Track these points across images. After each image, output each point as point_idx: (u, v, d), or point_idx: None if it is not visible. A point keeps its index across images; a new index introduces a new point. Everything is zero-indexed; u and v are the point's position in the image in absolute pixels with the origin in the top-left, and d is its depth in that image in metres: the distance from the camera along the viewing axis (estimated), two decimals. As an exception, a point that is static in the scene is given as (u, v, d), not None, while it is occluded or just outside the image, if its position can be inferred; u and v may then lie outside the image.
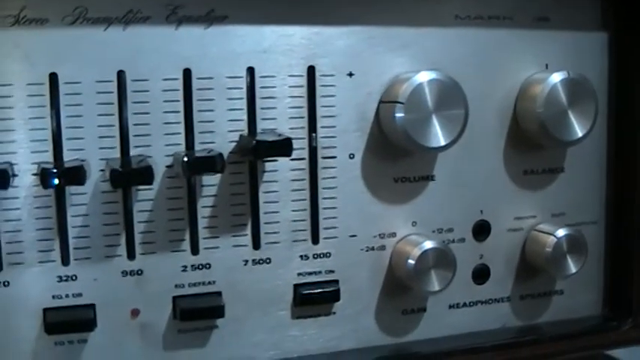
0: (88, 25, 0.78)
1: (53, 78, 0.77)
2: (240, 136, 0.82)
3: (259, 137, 0.79)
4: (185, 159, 0.77)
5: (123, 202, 0.80)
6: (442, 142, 0.83)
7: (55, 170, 0.73)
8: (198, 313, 0.82)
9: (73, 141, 0.79)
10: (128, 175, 0.75)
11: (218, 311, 0.83)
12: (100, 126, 0.80)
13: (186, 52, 0.81)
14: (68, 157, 0.79)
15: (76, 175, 0.74)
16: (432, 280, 0.86)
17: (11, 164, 0.76)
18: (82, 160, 0.77)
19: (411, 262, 0.84)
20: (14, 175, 0.76)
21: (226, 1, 0.81)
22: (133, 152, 0.80)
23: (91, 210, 0.80)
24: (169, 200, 0.82)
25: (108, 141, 0.80)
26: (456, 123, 0.83)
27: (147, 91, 0.80)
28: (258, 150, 0.78)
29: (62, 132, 0.78)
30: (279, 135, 0.80)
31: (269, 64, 0.83)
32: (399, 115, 0.82)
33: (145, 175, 0.75)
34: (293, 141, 0.79)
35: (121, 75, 0.79)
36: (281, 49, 0.84)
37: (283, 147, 0.79)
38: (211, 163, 0.77)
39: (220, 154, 0.77)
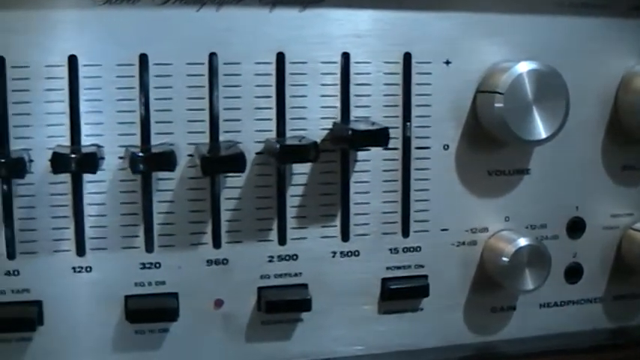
0: (180, 5, 0.76)
1: (143, 59, 0.75)
2: (334, 123, 0.79)
3: (355, 126, 0.76)
4: (278, 147, 0.74)
5: (210, 188, 0.78)
6: (543, 135, 0.80)
7: (142, 155, 0.71)
8: (284, 305, 0.80)
9: (162, 124, 0.77)
10: (220, 162, 0.73)
11: (305, 304, 0.80)
12: (189, 109, 0.77)
13: (279, 35, 0.78)
14: (156, 140, 0.77)
15: (166, 160, 0.72)
16: (525, 279, 0.83)
17: (99, 147, 0.74)
18: (171, 145, 0.75)
19: (505, 259, 0.81)
20: (101, 158, 0.74)
21: (323, -16, 0.74)
22: (222, 137, 0.78)
23: (177, 196, 0.78)
24: (258, 188, 0.80)
25: (197, 125, 0.78)
26: (556, 115, 0.81)
27: (238, 74, 0.78)
28: (353, 139, 0.76)
29: (150, 115, 0.76)
30: (374, 124, 0.78)
31: (364, 49, 0.80)
32: (498, 105, 0.79)
33: (238, 162, 0.73)
34: (386, 130, 0.72)
35: (212, 57, 0.77)
36: (377, 34, 0.81)
37: (380, 137, 0.76)
38: (305, 151, 0.75)
39: (315, 143, 0.74)
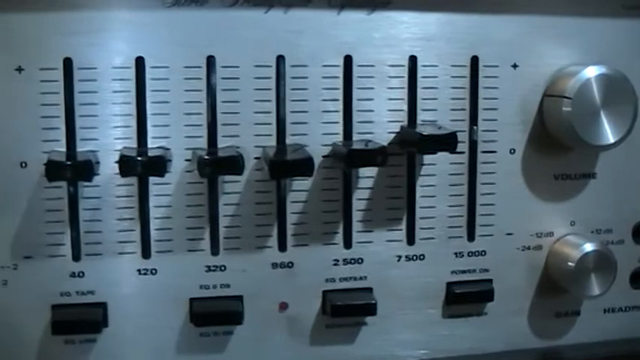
0: (248, 7, 0.74)
1: (211, 61, 0.73)
2: (401, 127, 0.77)
3: (423, 130, 0.74)
4: (345, 151, 0.72)
5: (277, 192, 0.76)
6: (610, 140, 0.78)
7: (209, 158, 0.70)
8: (350, 309, 0.78)
9: (229, 127, 0.75)
10: (288, 165, 0.71)
11: (370, 309, 0.78)
12: (256, 112, 0.75)
13: (347, 38, 0.76)
14: (223, 143, 0.75)
15: (233, 164, 0.71)
16: (591, 284, 0.80)
17: (165, 149, 0.72)
18: (238, 148, 0.73)
19: (571, 264, 0.79)
20: (168, 161, 0.72)
21: (391, -15, 0.71)
22: (288, 141, 0.76)
23: (243, 199, 0.76)
24: (324, 192, 0.78)
25: (264, 128, 0.76)
26: (624, 120, 0.78)
27: (306, 77, 0.76)
28: (422, 144, 0.73)
29: (217, 117, 0.74)
30: (441, 128, 0.76)
31: (432, 52, 0.78)
32: (565, 110, 0.77)
33: (306, 166, 0.71)
34: (453, 134, 0.70)
35: (280, 60, 0.74)
36: (445, 37, 0.78)
37: (448, 142, 0.73)
38: (373, 156, 0.73)
39: (383, 147, 0.72)
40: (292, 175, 0.73)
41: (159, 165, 0.69)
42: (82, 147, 0.73)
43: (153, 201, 0.75)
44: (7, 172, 0.72)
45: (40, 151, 0.72)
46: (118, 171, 0.70)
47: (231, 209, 0.77)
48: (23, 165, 0.72)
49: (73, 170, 0.69)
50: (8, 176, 0.72)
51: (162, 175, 0.70)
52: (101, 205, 0.74)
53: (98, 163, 0.71)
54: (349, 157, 0.72)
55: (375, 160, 0.72)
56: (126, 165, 0.69)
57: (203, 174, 0.70)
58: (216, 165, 0.71)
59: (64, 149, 0.72)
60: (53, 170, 0.68)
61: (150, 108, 0.74)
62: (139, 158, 0.69)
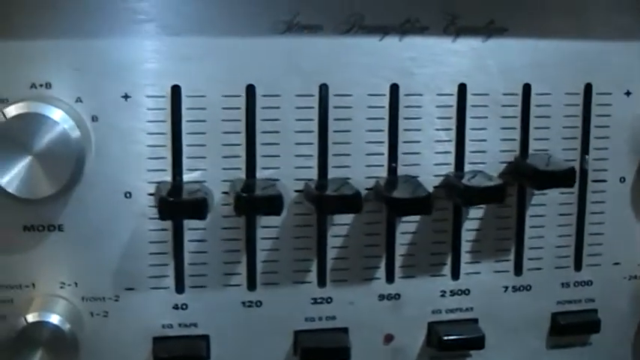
0: (363, 34, 0.65)
1: (323, 89, 0.64)
2: (515, 158, 0.69)
3: (538, 164, 0.67)
4: (462, 187, 0.65)
5: (387, 224, 0.68)
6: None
7: (321, 194, 0.64)
8: (458, 343, 0.70)
9: (340, 157, 0.68)
10: (408, 204, 0.65)
11: (478, 342, 0.70)
12: (368, 142, 0.67)
13: (462, 66, 0.67)
14: (334, 174, 0.69)
15: (350, 203, 0.64)
16: None
17: (273, 181, 0.66)
18: (347, 180, 0.67)
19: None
20: (274, 196, 0.63)
21: (507, 12, 0.67)
22: (401, 171, 0.69)
23: (352, 230, 0.68)
24: (434, 222, 0.69)
25: (375, 158, 0.69)
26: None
27: (419, 106, 0.67)
28: (538, 180, 0.66)
29: (329, 147, 0.66)
30: (551, 158, 0.70)
31: (545, 80, 0.69)
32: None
33: (424, 205, 0.65)
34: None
35: (394, 88, 0.66)
36: (558, 64, 0.69)
37: (568, 178, 0.66)
38: (491, 194, 0.66)
39: (503, 185, 0.65)
40: (411, 214, 0.66)
41: (275, 204, 0.63)
42: (188, 177, 0.65)
43: (260, 232, 0.66)
44: (112, 202, 0.64)
45: (146, 181, 0.64)
46: (225, 203, 0.64)
47: (340, 241, 0.69)
48: (127, 195, 0.65)
49: (187, 209, 0.62)
50: (112, 206, 0.64)
51: (278, 214, 0.63)
52: (206, 236, 0.66)
53: (212, 199, 0.63)
54: (466, 194, 0.65)
55: (493, 197, 0.65)
56: (241, 204, 0.63)
57: (323, 212, 0.65)
58: (330, 202, 0.65)
59: (169, 179, 0.64)
60: (166, 209, 0.61)
61: (259, 137, 0.66)
62: (256, 195, 0.63)
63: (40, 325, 0.61)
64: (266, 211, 0.62)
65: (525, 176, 0.67)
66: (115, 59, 0.62)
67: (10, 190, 0.58)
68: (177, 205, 0.60)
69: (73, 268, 0.65)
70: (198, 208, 0.60)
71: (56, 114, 0.59)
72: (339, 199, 0.62)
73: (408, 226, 0.69)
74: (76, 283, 0.65)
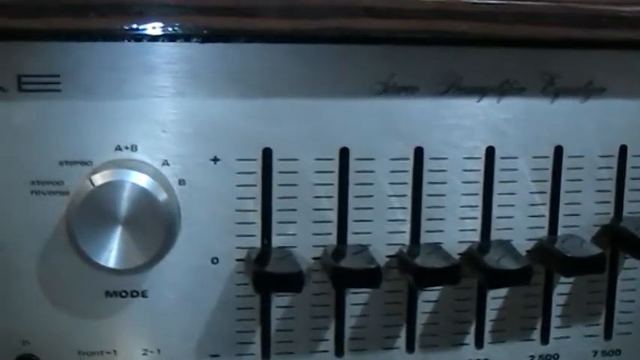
0: (460, 95, 0.59)
1: (418, 152, 0.59)
2: (610, 220, 0.63)
3: (636, 231, 0.60)
4: (561, 256, 0.59)
5: (477, 290, 0.63)
6: None
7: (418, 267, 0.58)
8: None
9: (434, 222, 0.62)
10: (506, 275, 0.60)
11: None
12: (462, 206, 0.61)
13: (559, 127, 0.61)
14: (427, 238, 0.63)
15: (449, 275, 0.59)
16: None
17: (364, 247, 0.61)
18: (439, 245, 0.60)
19: None
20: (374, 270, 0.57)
21: (606, 72, 0.61)
22: (493, 236, 0.64)
23: (442, 296, 0.63)
24: (524, 287, 0.62)
25: (469, 223, 0.63)
26: None
27: (515, 169, 0.62)
28: (635, 247, 0.60)
29: (422, 211, 0.60)
30: None
31: (642, 140, 0.58)
32: None
33: (524, 276, 0.59)
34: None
35: (489, 151, 0.60)
36: (655, 124, 0.58)
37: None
38: (590, 265, 0.60)
39: (602, 256, 0.59)
40: (510, 286, 0.61)
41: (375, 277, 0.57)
42: (276, 243, 0.60)
43: (348, 298, 0.61)
44: (198, 268, 0.59)
45: (233, 247, 0.59)
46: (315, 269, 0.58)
47: (430, 306, 0.64)
48: (215, 261, 0.59)
49: (283, 283, 0.56)
50: (198, 272, 0.59)
51: (377, 287, 0.57)
52: (295, 302, 0.60)
53: (310, 273, 0.57)
54: (566, 265, 0.59)
55: (594, 268, 0.60)
56: (335, 274, 0.57)
57: (419, 286, 0.59)
58: (429, 275, 0.58)
59: (258, 244, 0.59)
60: (262, 282, 0.56)
61: (352, 202, 0.61)
62: (350, 268, 0.57)
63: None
64: (364, 285, 0.57)
65: (620, 241, 0.61)
66: (203, 120, 0.56)
67: (100, 262, 0.53)
68: (274, 277, 0.55)
69: (156, 334, 0.59)
70: (296, 281, 0.54)
71: (142, 179, 0.53)
72: (436, 272, 0.57)
73: (499, 291, 0.63)
74: (158, 350, 0.59)
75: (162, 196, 0.53)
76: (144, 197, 0.53)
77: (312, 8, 0.52)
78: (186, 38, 0.54)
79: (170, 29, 0.52)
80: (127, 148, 0.55)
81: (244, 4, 0.52)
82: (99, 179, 0.52)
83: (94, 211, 0.52)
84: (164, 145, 0.56)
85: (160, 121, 0.56)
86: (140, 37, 0.53)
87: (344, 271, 0.55)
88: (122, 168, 0.53)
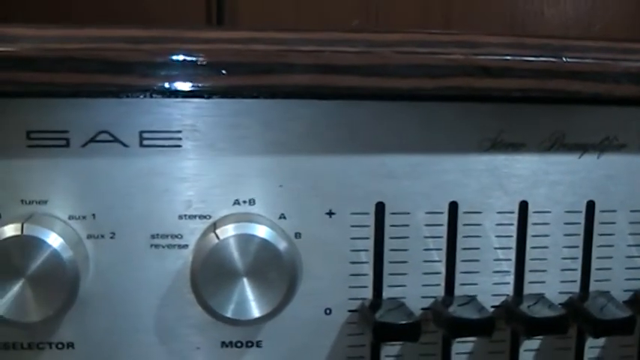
0: (564, 151, 0.56)
1: (523, 206, 0.55)
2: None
3: None
4: None
5: (576, 342, 0.59)
6: None
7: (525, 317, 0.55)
8: None
9: (536, 273, 0.59)
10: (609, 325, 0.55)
11: None
12: (563, 258, 0.58)
13: (657, 183, 0.54)
14: (529, 290, 0.59)
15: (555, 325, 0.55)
16: None
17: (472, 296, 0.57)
18: (542, 295, 0.58)
19: None
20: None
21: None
22: (593, 286, 0.59)
23: (544, 345, 0.59)
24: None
25: (569, 274, 0.59)
26: None
27: (613, 222, 0.58)
28: None
29: (525, 264, 0.57)
30: None
31: None
32: None
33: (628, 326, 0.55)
34: None
35: (589, 205, 0.57)
36: None
37: None
38: None
39: None
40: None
41: (486, 325, 0.54)
42: (387, 294, 0.56)
43: (455, 348, 0.58)
44: (312, 318, 0.56)
45: (347, 298, 0.56)
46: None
47: (531, 356, 0.60)
48: (327, 312, 0.56)
49: (403, 333, 0.53)
50: (312, 323, 0.56)
51: (489, 336, 0.54)
52: (403, 351, 0.57)
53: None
54: None
55: None
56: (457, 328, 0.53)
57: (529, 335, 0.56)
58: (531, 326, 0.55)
59: (369, 295, 0.56)
60: (383, 332, 0.53)
61: (460, 254, 0.57)
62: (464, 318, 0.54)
63: None
64: (476, 334, 0.54)
65: None
66: (319, 176, 0.54)
67: (226, 314, 0.51)
68: (392, 327, 0.52)
69: (271, 383, 0.52)
70: (414, 331, 0.52)
71: (261, 231, 0.50)
72: (544, 321, 0.54)
73: (596, 340, 0.59)
74: (272, 399, 0.52)
75: (282, 245, 0.50)
76: (263, 248, 0.50)
77: (432, 67, 0.50)
78: (305, 96, 0.52)
79: (291, 89, 0.50)
80: (244, 202, 0.54)
81: (368, 63, 0.50)
82: (223, 233, 0.50)
83: (219, 263, 0.50)
84: (281, 200, 0.54)
85: (278, 176, 0.54)
86: (258, 95, 0.51)
87: (458, 321, 0.52)
88: (243, 222, 0.50)
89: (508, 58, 0.49)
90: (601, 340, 0.57)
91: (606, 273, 0.57)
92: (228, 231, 0.48)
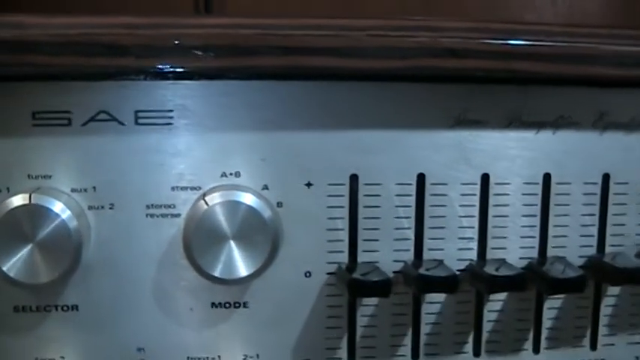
0: (522, 128, 0.61)
1: (485, 178, 0.60)
2: (656, 240, 0.60)
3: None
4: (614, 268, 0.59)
5: (536, 299, 0.64)
6: None
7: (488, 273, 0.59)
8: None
9: (496, 239, 0.63)
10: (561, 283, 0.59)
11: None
12: (523, 226, 0.63)
13: (607, 158, 0.63)
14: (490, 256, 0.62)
15: (515, 282, 0.60)
16: None
17: (440, 260, 0.61)
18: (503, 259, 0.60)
19: None
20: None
21: (645, 107, 0.58)
22: (549, 252, 0.64)
23: (505, 306, 0.65)
24: (576, 299, 0.65)
25: (529, 240, 0.64)
26: None
27: (568, 194, 0.63)
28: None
29: (488, 231, 0.62)
30: None
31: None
32: None
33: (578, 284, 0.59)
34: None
35: (546, 178, 0.62)
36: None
37: None
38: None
39: None
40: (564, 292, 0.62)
41: (450, 282, 0.59)
42: (361, 258, 0.61)
43: (425, 308, 0.62)
44: (293, 281, 0.60)
45: (325, 262, 0.60)
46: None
47: (493, 315, 0.65)
48: (307, 274, 0.60)
49: (375, 288, 0.57)
50: (294, 285, 0.60)
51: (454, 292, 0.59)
52: (377, 311, 0.62)
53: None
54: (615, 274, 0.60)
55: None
56: (419, 282, 0.58)
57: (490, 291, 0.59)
58: (497, 283, 0.59)
59: (345, 259, 0.60)
60: (357, 288, 0.57)
61: (428, 222, 0.62)
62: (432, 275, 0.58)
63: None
64: (443, 290, 0.58)
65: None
66: (299, 150, 0.58)
67: (215, 274, 0.56)
68: (366, 284, 0.56)
69: (255, 341, 0.60)
70: (386, 288, 0.56)
71: (246, 198, 0.55)
72: (505, 279, 0.59)
73: (554, 302, 0.64)
74: (257, 355, 0.61)
75: (267, 213, 0.54)
76: (250, 214, 0.55)
77: (402, 49, 0.55)
78: (286, 77, 0.56)
79: (273, 70, 0.55)
80: (231, 174, 0.58)
81: (344, 45, 0.55)
82: (211, 200, 0.55)
83: (208, 227, 0.54)
84: (264, 173, 0.58)
85: (261, 150, 0.58)
86: (242, 76, 0.55)
87: (426, 278, 0.56)
88: (230, 190, 0.55)
89: (471, 40, 0.54)
90: (558, 301, 0.62)
91: (562, 240, 0.61)
92: (215, 198, 0.53)
